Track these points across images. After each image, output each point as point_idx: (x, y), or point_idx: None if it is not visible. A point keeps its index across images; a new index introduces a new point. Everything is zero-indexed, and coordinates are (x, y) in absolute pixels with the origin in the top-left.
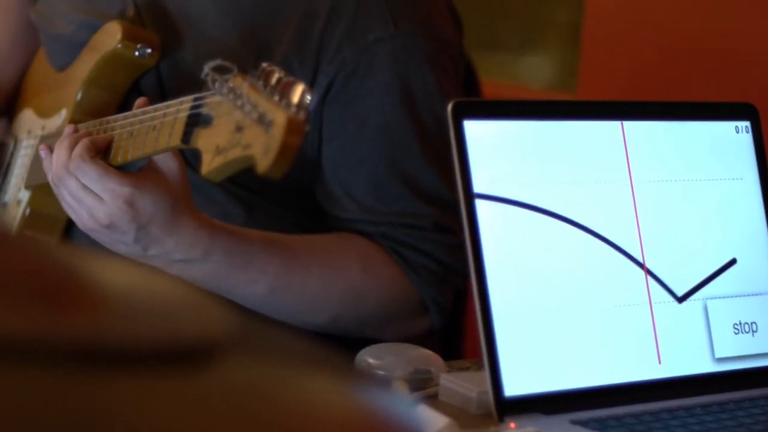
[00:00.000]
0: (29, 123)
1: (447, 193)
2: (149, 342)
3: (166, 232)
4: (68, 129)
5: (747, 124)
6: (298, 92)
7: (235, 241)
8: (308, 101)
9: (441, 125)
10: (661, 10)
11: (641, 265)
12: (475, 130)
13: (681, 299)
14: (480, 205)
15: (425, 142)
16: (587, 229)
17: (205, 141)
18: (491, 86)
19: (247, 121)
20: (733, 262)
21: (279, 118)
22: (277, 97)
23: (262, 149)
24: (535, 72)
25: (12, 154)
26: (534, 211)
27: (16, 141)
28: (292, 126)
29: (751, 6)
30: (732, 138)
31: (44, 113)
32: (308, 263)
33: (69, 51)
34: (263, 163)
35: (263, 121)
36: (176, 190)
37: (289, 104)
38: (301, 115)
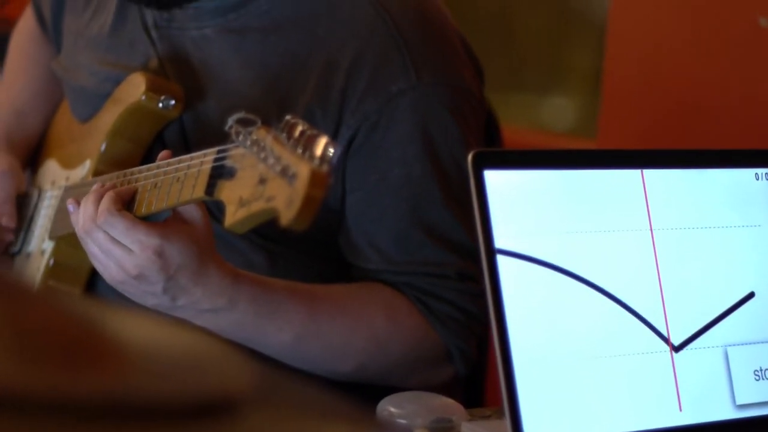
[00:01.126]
0: (53, 174)
1: (469, 242)
2: (172, 397)
3: (194, 282)
4: (95, 186)
5: (766, 171)
6: (321, 145)
7: (260, 289)
8: (331, 154)
9: (463, 174)
10: (681, 56)
11: (662, 313)
12: (496, 180)
13: (701, 347)
14: (501, 260)
15: (447, 191)
16: (607, 292)
17: (228, 193)
18: (512, 132)
19: (270, 173)
20: (753, 308)
21: (302, 170)
22: (300, 150)
23: (286, 202)
24: (557, 115)
25: (36, 205)
26: (554, 270)
27: (40, 191)
28: (315, 179)
29: None
30: (752, 185)
31: (68, 164)
32: (333, 312)
33: (92, 103)
34: (286, 216)
35: (287, 174)
36: (202, 239)
37: (312, 157)
38: (325, 168)
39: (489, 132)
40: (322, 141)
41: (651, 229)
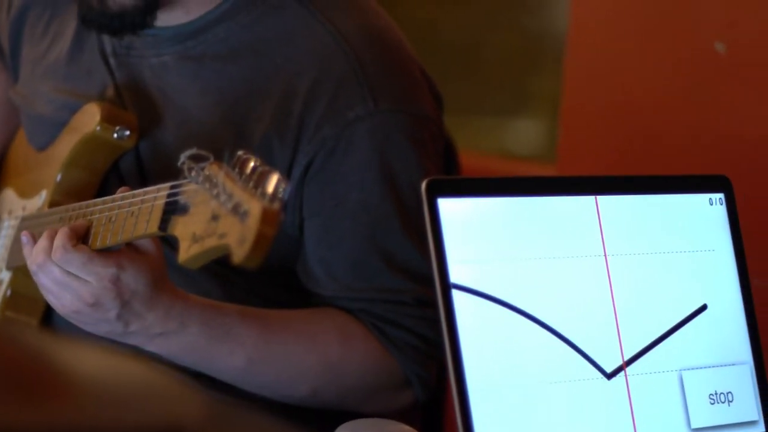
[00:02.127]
0: (10, 203)
1: (427, 268)
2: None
3: (147, 307)
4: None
5: (721, 196)
6: (273, 182)
7: (211, 313)
8: (283, 191)
9: (420, 201)
10: (638, 81)
11: (617, 339)
12: (450, 208)
13: (655, 371)
14: (456, 295)
15: (405, 217)
16: (556, 331)
17: (182, 229)
18: (472, 157)
19: (222, 210)
20: (707, 332)
21: (254, 208)
22: (252, 187)
23: (238, 239)
24: (519, 139)
25: None
26: (506, 307)
27: None
28: (266, 216)
29: (725, 81)
30: (706, 210)
31: (25, 194)
32: (285, 336)
33: (49, 131)
34: (239, 253)
35: (238, 211)
36: (155, 267)
37: (264, 194)
38: (276, 206)
39: (447, 159)
40: (274, 178)
41: (605, 255)
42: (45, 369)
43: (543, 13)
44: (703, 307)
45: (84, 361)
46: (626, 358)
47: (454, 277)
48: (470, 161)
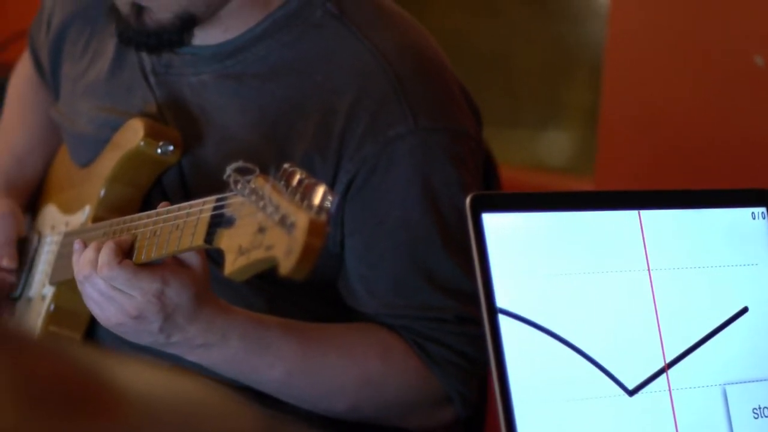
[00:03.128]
0: (53, 219)
1: (468, 285)
2: None
3: (189, 320)
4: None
5: (763, 210)
6: (319, 194)
7: (252, 325)
8: (330, 203)
9: (461, 218)
10: (676, 94)
11: (661, 353)
12: (494, 223)
13: (699, 385)
14: (502, 320)
15: (446, 235)
16: (597, 361)
17: (227, 241)
18: (510, 171)
19: (269, 222)
20: (751, 347)
21: (301, 220)
22: (298, 199)
23: (285, 251)
24: (554, 151)
25: (36, 250)
26: (550, 336)
27: (40, 236)
28: (313, 228)
29: (764, 93)
30: (748, 224)
31: (68, 209)
32: (325, 350)
33: (91, 148)
34: (286, 265)
35: (285, 223)
36: (199, 282)
37: (310, 206)
38: (323, 217)
39: (487, 174)
40: (320, 189)
41: (649, 270)
42: (96, 385)
43: (578, 23)
44: (746, 320)
45: (136, 378)
46: (670, 372)
47: (501, 301)
48: (506, 175)
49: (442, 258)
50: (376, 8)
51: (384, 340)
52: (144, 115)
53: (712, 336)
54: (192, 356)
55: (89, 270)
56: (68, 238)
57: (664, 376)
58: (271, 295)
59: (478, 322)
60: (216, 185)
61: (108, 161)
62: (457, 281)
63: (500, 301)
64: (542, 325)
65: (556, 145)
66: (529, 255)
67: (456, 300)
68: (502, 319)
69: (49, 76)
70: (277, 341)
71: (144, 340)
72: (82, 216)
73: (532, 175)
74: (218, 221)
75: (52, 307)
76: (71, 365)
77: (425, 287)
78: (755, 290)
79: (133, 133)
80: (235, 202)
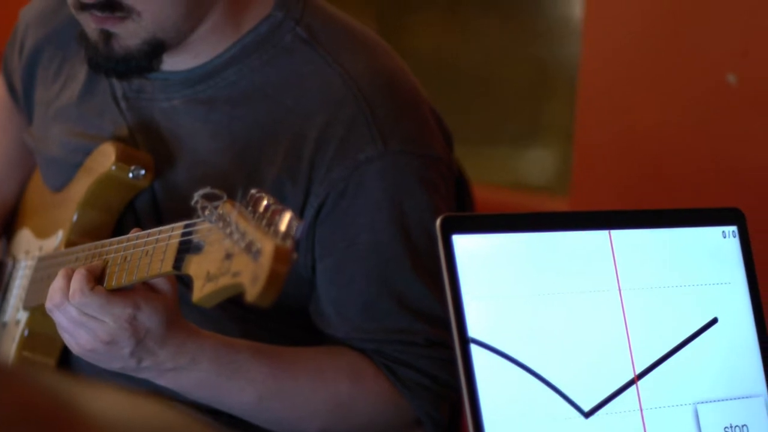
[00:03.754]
0: (27, 243)
1: (438, 308)
2: None
3: (160, 344)
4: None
5: (734, 228)
6: (285, 220)
7: (222, 349)
8: (296, 229)
9: (431, 241)
10: (651, 113)
11: (633, 373)
12: (465, 244)
13: (670, 405)
14: (474, 350)
15: (416, 258)
16: (560, 392)
17: (196, 268)
18: (486, 190)
19: (236, 249)
20: (722, 366)
21: (267, 246)
22: (265, 225)
23: (251, 278)
24: (531, 167)
25: (11, 274)
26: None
27: (15, 261)
28: (279, 255)
29: (737, 112)
30: (719, 243)
31: (42, 234)
32: (296, 373)
33: (64, 172)
34: (252, 292)
35: (251, 250)
36: (170, 306)
37: (276, 232)
38: (289, 244)
39: (459, 196)
40: (287, 216)
41: (619, 289)
42: (65, 411)
43: (555, 43)
44: (717, 338)
45: (105, 404)
46: (641, 391)
47: (472, 328)
48: (483, 194)
49: (411, 281)
50: (346, 32)
51: (354, 363)
52: (115, 139)
53: (682, 353)
54: (162, 380)
55: (60, 298)
56: (42, 262)
57: (635, 395)
58: (242, 319)
59: (449, 346)
60: (188, 209)
61: (80, 186)
62: (427, 305)
63: (471, 329)
64: (512, 356)
65: (535, 163)
66: (499, 276)
67: (426, 323)
68: (474, 349)
69: (23, 101)
70: (247, 364)
71: (115, 365)
72: (55, 240)
73: (509, 194)
74: (186, 247)
75: (26, 332)
76: (40, 392)
77: (395, 310)
78: (727, 309)
79: (105, 158)
80: (203, 229)
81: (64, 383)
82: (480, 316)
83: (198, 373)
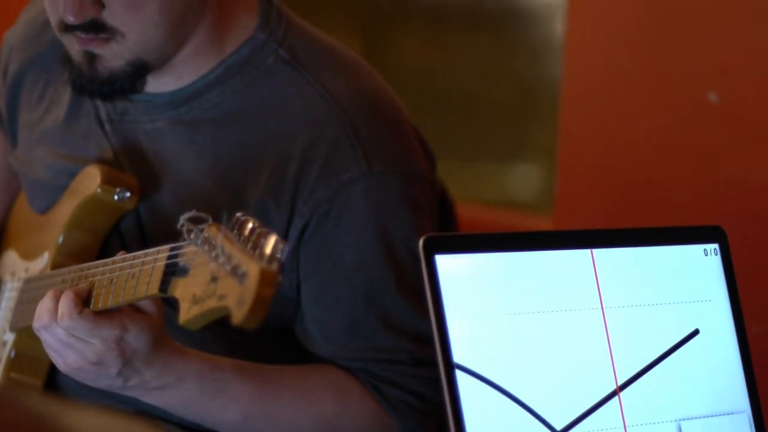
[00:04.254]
0: (13, 265)
1: (424, 327)
2: None
3: (146, 364)
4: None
5: (715, 246)
6: (271, 243)
7: (208, 367)
8: (281, 252)
9: (415, 260)
10: (633, 131)
11: (616, 392)
12: (448, 264)
13: (654, 421)
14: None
15: (401, 277)
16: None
17: (182, 290)
18: (472, 207)
19: (221, 272)
20: (706, 383)
21: (252, 270)
22: (250, 248)
23: (237, 300)
24: (516, 184)
25: None
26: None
27: (1, 282)
28: (265, 278)
29: (718, 130)
30: (701, 261)
31: (27, 255)
32: (281, 392)
33: (49, 195)
34: (238, 315)
35: (237, 273)
36: (156, 327)
37: (262, 255)
38: (274, 267)
39: (443, 214)
40: (272, 239)
41: (602, 308)
42: None
43: (538, 61)
44: (701, 356)
45: (89, 425)
46: (625, 409)
47: (456, 353)
48: (467, 211)
49: (396, 300)
50: (328, 53)
51: (340, 381)
52: (100, 161)
53: (665, 369)
54: (148, 398)
55: (48, 319)
56: (28, 284)
57: (618, 412)
58: (228, 339)
59: (434, 364)
60: (173, 231)
61: (66, 208)
62: (412, 323)
63: (456, 354)
64: (496, 383)
65: (519, 180)
66: (483, 295)
67: (411, 342)
68: (460, 375)
69: (7, 124)
70: (232, 383)
71: (101, 383)
72: (41, 262)
73: (492, 212)
74: (172, 270)
75: (13, 353)
76: (25, 413)
77: (380, 329)
78: (709, 326)
79: (91, 180)
80: (189, 252)
81: (49, 405)
82: (464, 337)
83: (183, 392)
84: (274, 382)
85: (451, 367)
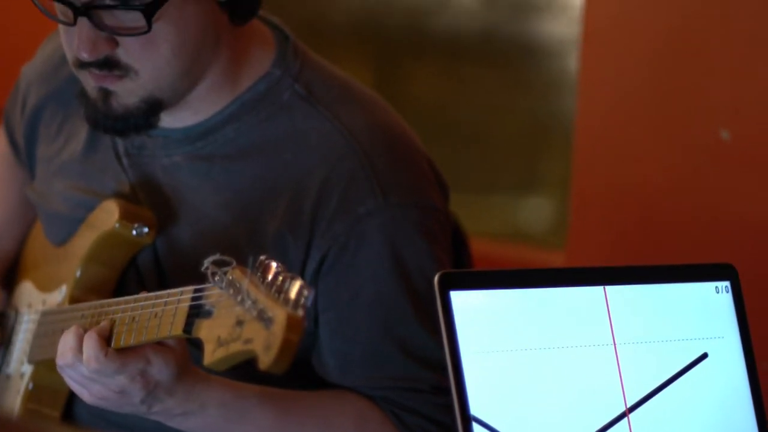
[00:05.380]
0: (29, 296)
1: (443, 355)
2: None
3: (168, 394)
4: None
5: (727, 284)
6: (295, 288)
7: (231, 394)
8: (306, 298)
9: (432, 290)
10: (646, 168)
11: (628, 428)
12: (462, 301)
13: None
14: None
15: (418, 307)
16: None
17: (206, 332)
18: (483, 241)
19: (247, 316)
20: (718, 420)
21: (279, 315)
22: (275, 292)
23: (263, 346)
24: (529, 219)
25: (13, 327)
26: None
27: (17, 313)
28: (291, 324)
29: (730, 167)
30: (712, 298)
31: (44, 287)
32: (303, 419)
33: (66, 227)
34: (265, 360)
35: (263, 318)
36: (179, 359)
37: (287, 300)
38: (300, 313)
39: (456, 247)
40: (297, 284)
41: (614, 344)
42: None
43: (551, 95)
44: (711, 391)
45: None
46: None
47: (473, 405)
48: (479, 245)
49: (415, 330)
50: (343, 88)
51: (360, 409)
52: (118, 195)
53: (679, 409)
54: (172, 423)
55: (72, 358)
56: (46, 317)
57: None
58: (249, 376)
59: None
60: (191, 264)
61: (83, 241)
62: (432, 351)
63: (473, 404)
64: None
65: (531, 213)
66: (496, 331)
67: (431, 370)
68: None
69: (24, 156)
70: (254, 410)
71: (125, 410)
72: (58, 295)
73: (504, 247)
74: (197, 312)
75: (31, 385)
76: None
77: (400, 359)
78: (720, 363)
79: (108, 215)
80: (213, 294)
81: None
82: (477, 374)
83: (206, 418)
84: (297, 409)
85: (468, 419)
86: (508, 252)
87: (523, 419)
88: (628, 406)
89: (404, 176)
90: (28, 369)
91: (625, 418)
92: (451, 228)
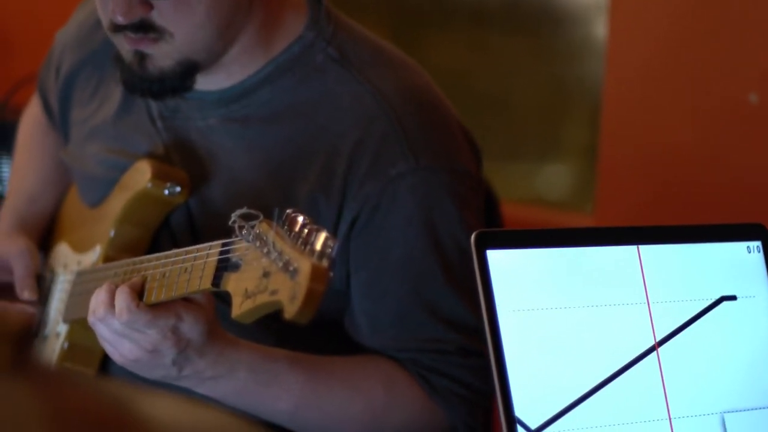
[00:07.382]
0: (65, 257)
1: (472, 318)
2: None
3: (200, 353)
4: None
5: (758, 243)
6: (321, 240)
7: (260, 358)
8: (331, 249)
9: (463, 254)
10: (674, 132)
11: (661, 386)
12: (498, 259)
13: (698, 414)
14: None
15: (448, 270)
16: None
17: (234, 285)
18: (510, 206)
19: (273, 267)
20: (750, 376)
21: (304, 266)
22: (301, 244)
23: (289, 296)
24: (552, 184)
25: (49, 287)
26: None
27: (53, 274)
28: (316, 274)
29: (759, 130)
30: (744, 258)
31: (79, 248)
32: (332, 383)
33: (100, 189)
34: (290, 310)
35: (288, 269)
36: (209, 315)
37: (313, 251)
38: (325, 263)
39: (489, 211)
40: (322, 235)
41: (648, 303)
42: (123, 415)
43: (576, 62)
44: (746, 351)
45: (160, 409)
46: (670, 403)
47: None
48: (507, 210)
49: (444, 292)
50: (375, 51)
51: (388, 372)
52: (151, 156)
53: (712, 366)
54: (201, 388)
55: (103, 312)
56: (81, 276)
57: (664, 406)
58: (278, 331)
59: (481, 354)
60: (224, 225)
61: (117, 202)
62: (460, 314)
63: (509, 362)
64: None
65: (555, 180)
66: (532, 289)
67: (459, 333)
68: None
69: (59, 120)
70: (284, 374)
71: (156, 374)
72: (93, 255)
73: (531, 211)
74: (225, 265)
75: (66, 344)
76: (99, 397)
77: (428, 321)
78: (753, 322)
79: (141, 175)
80: (241, 247)
81: (119, 388)
82: (514, 330)
83: (236, 382)
84: (325, 373)
85: (512, 421)
86: (536, 216)
87: (557, 375)
88: (662, 365)
89: (435, 139)
90: (63, 328)
91: (660, 377)
92: (483, 191)
